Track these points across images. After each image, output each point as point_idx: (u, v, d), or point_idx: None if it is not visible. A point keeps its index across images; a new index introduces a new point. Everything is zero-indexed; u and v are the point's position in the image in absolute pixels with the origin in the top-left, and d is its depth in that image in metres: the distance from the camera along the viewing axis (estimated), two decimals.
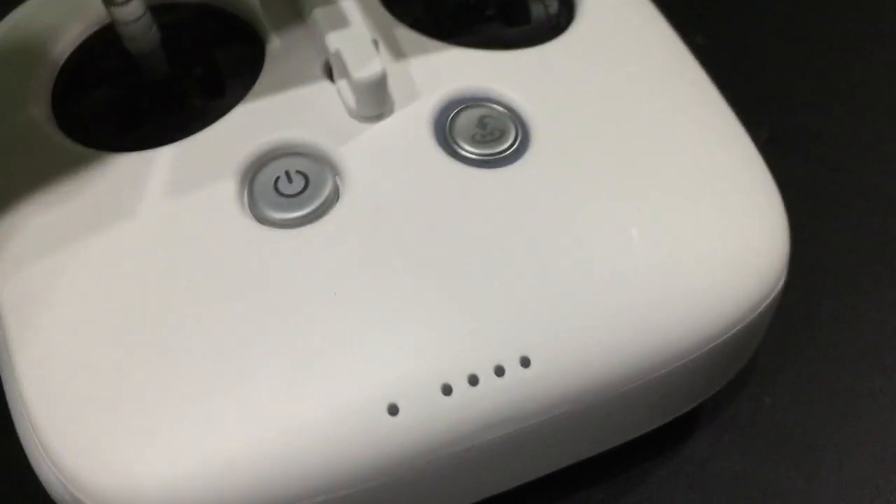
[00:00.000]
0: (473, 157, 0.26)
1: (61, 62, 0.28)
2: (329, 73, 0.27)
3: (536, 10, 0.30)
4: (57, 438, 0.22)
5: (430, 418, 0.22)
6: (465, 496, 0.25)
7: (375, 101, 0.25)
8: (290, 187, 0.25)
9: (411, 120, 0.26)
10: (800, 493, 0.28)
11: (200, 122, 0.27)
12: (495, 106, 0.27)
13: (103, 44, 0.28)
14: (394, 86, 0.26)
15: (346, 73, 0.25)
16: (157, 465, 0.21)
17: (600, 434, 0.26)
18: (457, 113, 0.26)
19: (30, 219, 0.25)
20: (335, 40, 0.25)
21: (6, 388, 0.23)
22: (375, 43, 0.25)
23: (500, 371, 0.22)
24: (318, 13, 0.26)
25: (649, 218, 0.25)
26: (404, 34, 0.28)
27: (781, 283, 0.26)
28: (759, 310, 0.25)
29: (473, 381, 0.22)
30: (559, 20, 0.30)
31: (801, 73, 0.40)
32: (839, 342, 0.32)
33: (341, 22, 0.25)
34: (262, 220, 0.24)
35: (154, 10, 0.27)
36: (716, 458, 0.29)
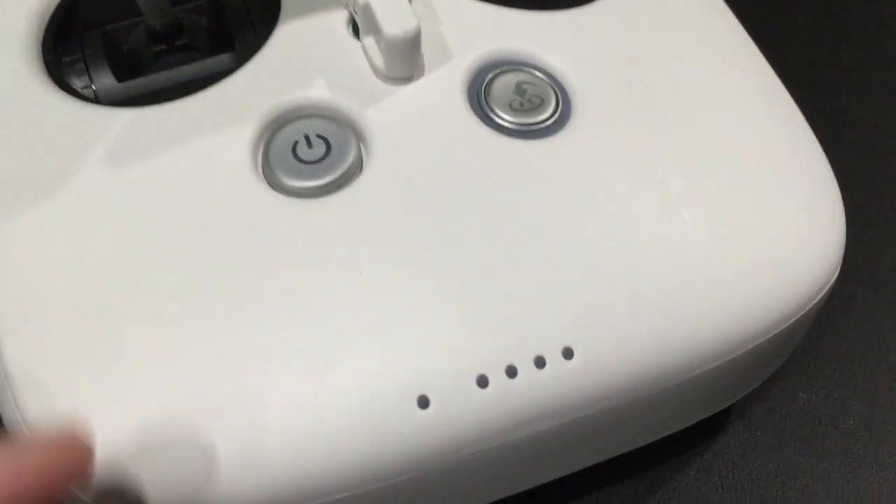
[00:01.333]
0: (510, 126, 0.23)
1: (54, 3, 0.25)
2: (353, 29, 0.24)
3: None
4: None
5: (464, 412, 0.20)
6: (495, 492, 0.23)
7: (407, 61, 0.23)
8: (310, 153, 0.23)
9: (443, 83, 0.24)
10: (836, 493, 0.27)
11: (209, 77, 0.24)
12: (535, 71, 0.24)
13: None
14: (424, 45, 0.24)
15: (376, 29, 0.23)
16: (165, 459, 0.19)
17: (638, 430, 0.24)
18: (493, 77, 0.24)
19: (16, 175, 0.22)
20: None
21: None
22: None
23: (540, 362, 0.20)
24: None
25: (700, 201, 0.23)
26: None
27: (834, 279, 0.24)
28: (811, 305, 0.23)
29: (511, 372, 0.20)
30: None
31: (832, 52, 0.38)
32: (877, 336, 0.30)
33: None
34: (278, 187, 0.22)
35: None
36: (749, 456, 0.27)
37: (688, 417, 0.25)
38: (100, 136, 0.23)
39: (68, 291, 0.21)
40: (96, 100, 0.24)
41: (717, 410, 0.25)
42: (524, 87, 0.24)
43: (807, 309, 0.23)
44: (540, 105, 0.24)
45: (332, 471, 0.20)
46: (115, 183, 0.22)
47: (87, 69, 0.25)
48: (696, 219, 0.23)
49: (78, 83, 0.25)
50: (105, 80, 0.25)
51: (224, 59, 0.25)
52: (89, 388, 0.19)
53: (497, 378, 0.20)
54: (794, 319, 0.23)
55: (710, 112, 0.24)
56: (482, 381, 0.20)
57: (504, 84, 0.24)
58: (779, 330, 0.23)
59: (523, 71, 0.24)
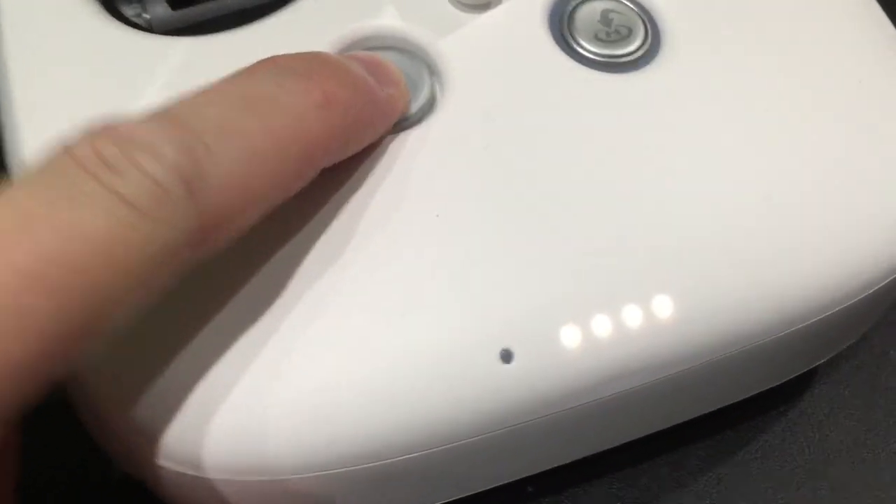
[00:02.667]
0: (595, 58, 0.22)
1: None
2: None
3: None
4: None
5: (551, 368, 0.19)
6: (573, 453, 0.22)
7: None
8: None
9: (524, 11, 0.22)
10: None
11: (266, 5, 0.23)
12: None
13: None
14: None
15: None
16: (233, 417, 0.18)
17: (729, 388, 0.22)
18: (577, 5, 0.22)
19: (71, 110, 0.21)
20: None
21: None
22: None
23: (633, 314, 0.19)
24: None
25: (801, 144, 0.21)
26: None
27: None
28: None
29: (602, 324, 0.19)
30: None
31: None
32: None
33: None
34: None
35: None
36: (835, 417, 0.26)
37: (782, 374, 0.23)
38: (158, 68, 0.21)
39: None
40: (150, 29, 0.23)
41: (812, 367, 0.24)
42: (610, 15, 0.22)
43: None
44: (627, 36, 0.22)
45: (406, 429, 0.18)
46: None
47: None
48: (798, 163, 0.21)
49: (129, 11, 0.23)
50: (158, 8, 0.23)
51: None
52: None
53: (587, 330, 0.19)
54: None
55: (812, 49, 0.22)
56: (571, 334, 0.19)
57: (589, 12, 0.22)
58: (883, 283, 0.21)
59: None
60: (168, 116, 0.16)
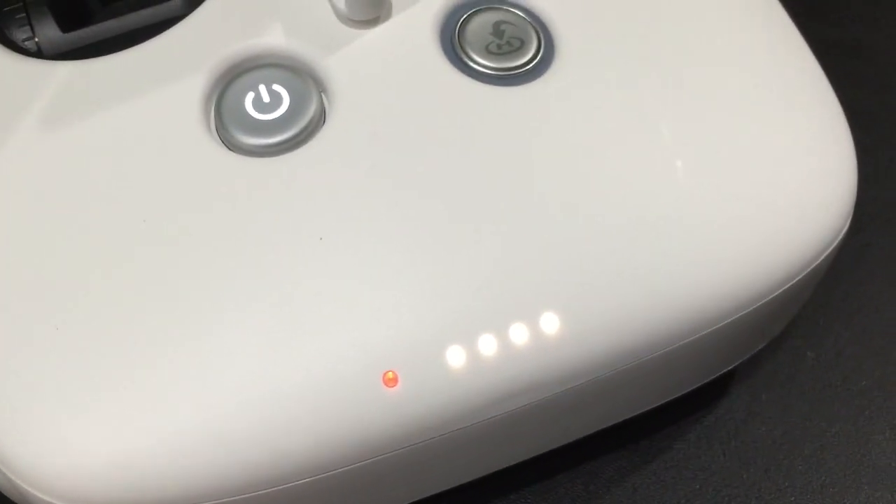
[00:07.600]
0: (487, 71, 0.21)
1: None
2: None
3: None
4: None
5: (437, 388, 0.18)
6: (473, 471, 0.22)
7: (371, 1, 0.21)
8: (266, 106, 0.21)
9: (413, 25, 0.22)
10: (847, 461, 0.25)
11: (160, 24, 0.22)
12: (514, 9, 0.22)
13: None
14: None
15: None
16: (102, 445, 0.17)
17: (631, 401, 0.22)
18: (468, 17, 0.22)
19: None
20: None
21: None
22: None
23: (522, 331, 0.19)
24: None
25: (697, 150, 0.21)
26: None
27: (846, 229, 0.22)
28: (821, 259, 0.21)
29: (486, 344, 0.19)
30: None
31: None
32: (893, 288, 0.28)
33: None
34: (232, 146, 0.20)
35: None
36: (752, 421, 0.26)
37: (685, 385, 0.23)
38: (38, 93, 0.21)
39: None
40: (39, 53, 0.23)
41: (717, 375, 0.23)
42: (502, 27, 0.22)
43: (816, 263, 0.21)
44: (520, 47, 0.22)
45: (290, 454, 0.18)
46: (51, 146, 0.20)
47: (29, 19, 0.23)
48: (693, 169, 0.20)
49: (20, 35, 0.23)
50: (49, 31, 0.23)
51: (176, 4, 0.23)
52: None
53: (471, 351, 0.19)
54: (802, 275, 0.21)
55: (708, 49, 0.22)
56: (458, 354, 0.18)
57: (480, 25, 0.22)
58: (786, 287, 0.21)
59: (501, 9, 0.22)
60: None
